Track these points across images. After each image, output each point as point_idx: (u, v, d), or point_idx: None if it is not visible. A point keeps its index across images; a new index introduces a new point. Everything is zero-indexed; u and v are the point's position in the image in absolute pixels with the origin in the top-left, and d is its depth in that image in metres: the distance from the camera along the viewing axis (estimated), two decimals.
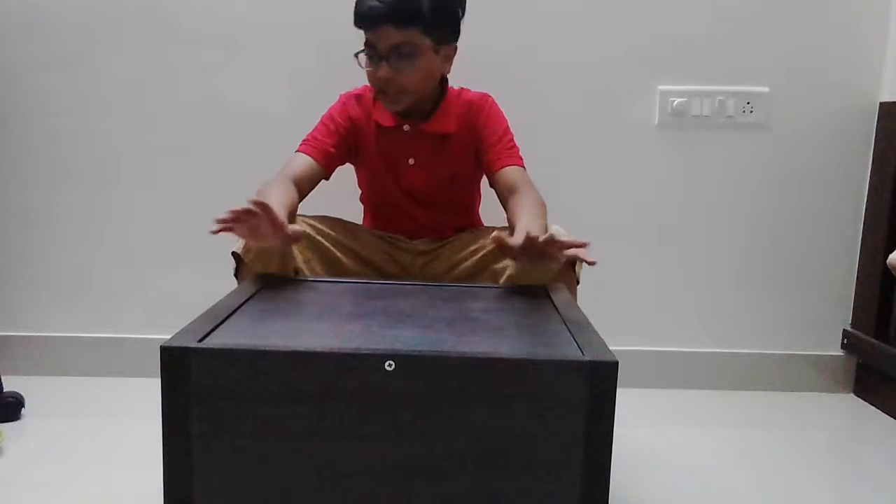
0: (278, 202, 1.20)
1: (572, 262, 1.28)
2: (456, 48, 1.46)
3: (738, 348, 1.94)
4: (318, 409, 0.83)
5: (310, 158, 1.43)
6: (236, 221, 1.09)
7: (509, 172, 1.43)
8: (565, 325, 0.97)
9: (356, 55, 1.41)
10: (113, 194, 1.88)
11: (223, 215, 1.08)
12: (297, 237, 1.16)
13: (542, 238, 1.12)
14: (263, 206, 1.10)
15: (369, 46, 1.39)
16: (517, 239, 1.13)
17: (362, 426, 0.84)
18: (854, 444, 1.72)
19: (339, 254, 1.40)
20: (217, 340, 0.87)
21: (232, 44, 1.81)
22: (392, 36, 1.34)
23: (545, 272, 1.26)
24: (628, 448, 1.57)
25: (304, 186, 1.39)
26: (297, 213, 1.38)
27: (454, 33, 1.43)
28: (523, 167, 1.46)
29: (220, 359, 0.84)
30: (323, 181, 1.46)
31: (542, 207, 1.36)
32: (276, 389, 0.83)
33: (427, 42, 1.37)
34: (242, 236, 1.17)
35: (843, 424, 1.81)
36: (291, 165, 1.41)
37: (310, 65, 1.82)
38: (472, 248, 1.41)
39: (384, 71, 1.37)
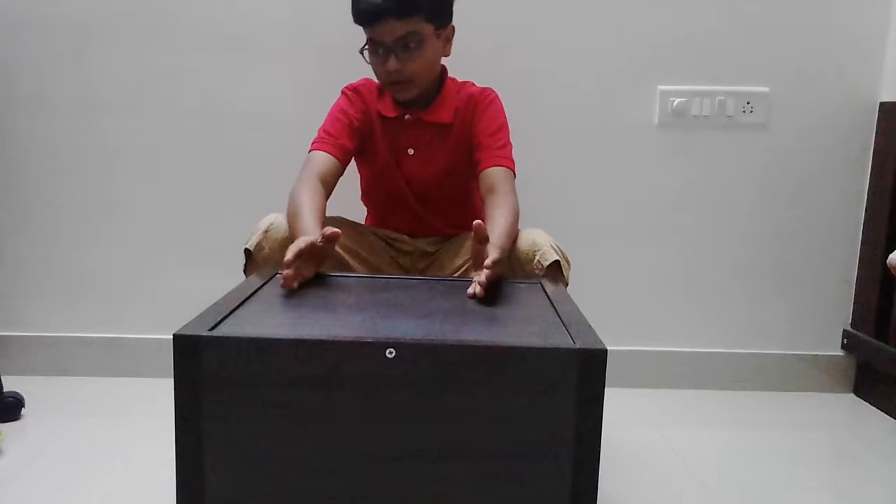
0: (311, 213, 1.31)
1: (557, 265, 1.36)
2: (454, 28, 1.54)
3: (738, 348, 2.01)
4: (322, 395, 0.92)
5: (329, 156, 1.49)
6: (297, 274, 1.16)
7: (493, 174, 1.48)
8: (558, 315, 1.05)
9: (361, 52, 1.50)
10: (113, 194, 1.94)
11: (287, 278, 1.14)
12: (334, 237, 1.19)
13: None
14: (299, 252, 1.16)
15: (374, 42, 1.47)
16: (491, 258, 1.18)
17: (364, 410, 0.92)
18: (854, 444, 1.77)
19: (347, 257, 1.48)
20: (227, 329, 0.95)
21: (232, 44, 1.88)
22: (396, 28, 1.42)
23: (526, 273, 1.36)
24: (628, 447, 1.64)
25: (329, 184, 1.47)
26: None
27: (450, 14, 1.53)
28: (511, 168, 1.51)
29: (229, 347, 0.92)
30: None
31: (515, 216, 1.41)
32: (282, 376, 0.92)
33: (429, 28, 1.46)
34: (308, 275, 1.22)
35: (843, 424, 1.87)
36: (313, 164, 1.48)
37: (310, 65, 1.88)
38: (466, 260, 1.46)
39: (393, 63, 1.45)
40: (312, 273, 1.23)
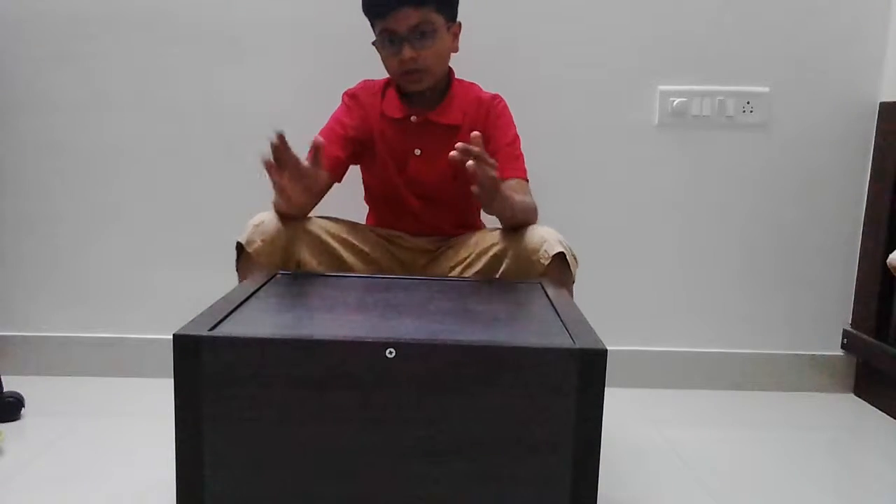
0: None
1: (562, 257, 1.37)
2: (460, 25, 1.57)
3: (738, 348, 2.01)
4: (322, 395, 0.92)
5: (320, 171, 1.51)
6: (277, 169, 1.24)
7: (510, 183, 1.48)
8: (558, 315, 1.06)
9: (374, 44, 1.52)
10: (113, 194, 1.94)
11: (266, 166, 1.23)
12: (318, 142, 1.29)
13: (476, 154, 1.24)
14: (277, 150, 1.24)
15: (387, 32, 1.48)
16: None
17: (364, 410, 0.92)
18: (854, 444, 1.78)
19: (345, 253, 1.49)
20: (227, 329, 0.96)
21: (233, 43, 1.88)
22: (410, 17, 1.45)
23: (532, 263, 1.37)
24: (628, 447, 1.64)
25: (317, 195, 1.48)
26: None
27: (456, 9, 1.56)
28: (526, 179, 1.54)
29: (230, 346, 0.92)
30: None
31: (532, 212, 1.45)
32: (282, 376, 0.92)
33: (440, 19, 1.49)
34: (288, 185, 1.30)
35: (843, 424, 1.87)
36: None
37: (311, 64, 1.89)
38: (474, 252, 1.48)
39: (407, 51, 1.46)
40: (300, 196, 1.34)
